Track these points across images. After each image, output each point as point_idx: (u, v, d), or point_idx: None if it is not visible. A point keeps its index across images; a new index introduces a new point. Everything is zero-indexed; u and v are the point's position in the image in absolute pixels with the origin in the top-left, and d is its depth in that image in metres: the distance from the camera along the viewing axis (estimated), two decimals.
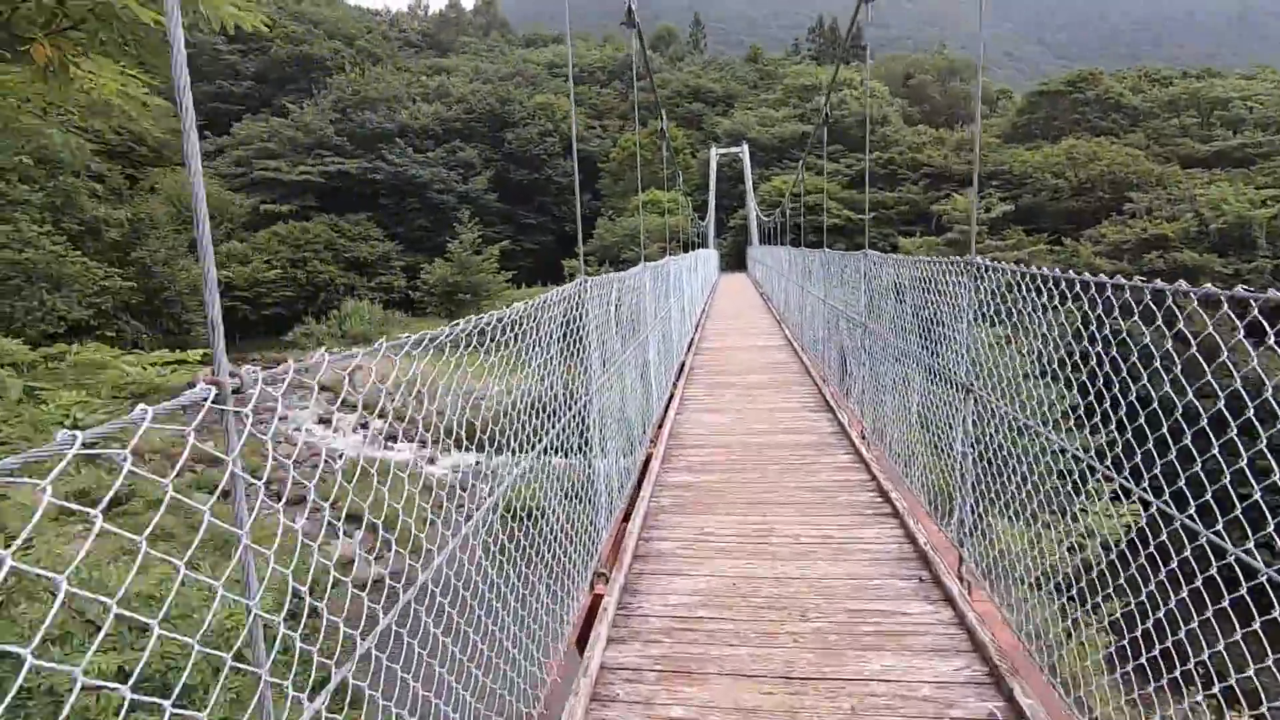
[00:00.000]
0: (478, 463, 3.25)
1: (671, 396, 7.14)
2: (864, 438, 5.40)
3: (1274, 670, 1.54)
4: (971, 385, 3.02)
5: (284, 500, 1.55)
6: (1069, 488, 2.57)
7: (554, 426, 2.92)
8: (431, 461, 20.34)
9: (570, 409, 3.18)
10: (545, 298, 2.97)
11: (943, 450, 3.47)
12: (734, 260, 42.11)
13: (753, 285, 27.54)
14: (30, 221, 19.95)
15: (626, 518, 4.37)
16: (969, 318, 2.98)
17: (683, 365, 8.80)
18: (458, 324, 1.90)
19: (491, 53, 64.27)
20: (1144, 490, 1.96)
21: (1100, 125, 41.84)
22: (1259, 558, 1.56)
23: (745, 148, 38.67)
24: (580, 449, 3.35)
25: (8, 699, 0.87)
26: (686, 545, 3.76)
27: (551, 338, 2.98)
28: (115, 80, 3.79)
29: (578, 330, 3.33)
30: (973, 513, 3.00)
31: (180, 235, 31.52)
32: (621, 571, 3.32)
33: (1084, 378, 2.20)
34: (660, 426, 6.02)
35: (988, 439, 2.83)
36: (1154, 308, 1.88)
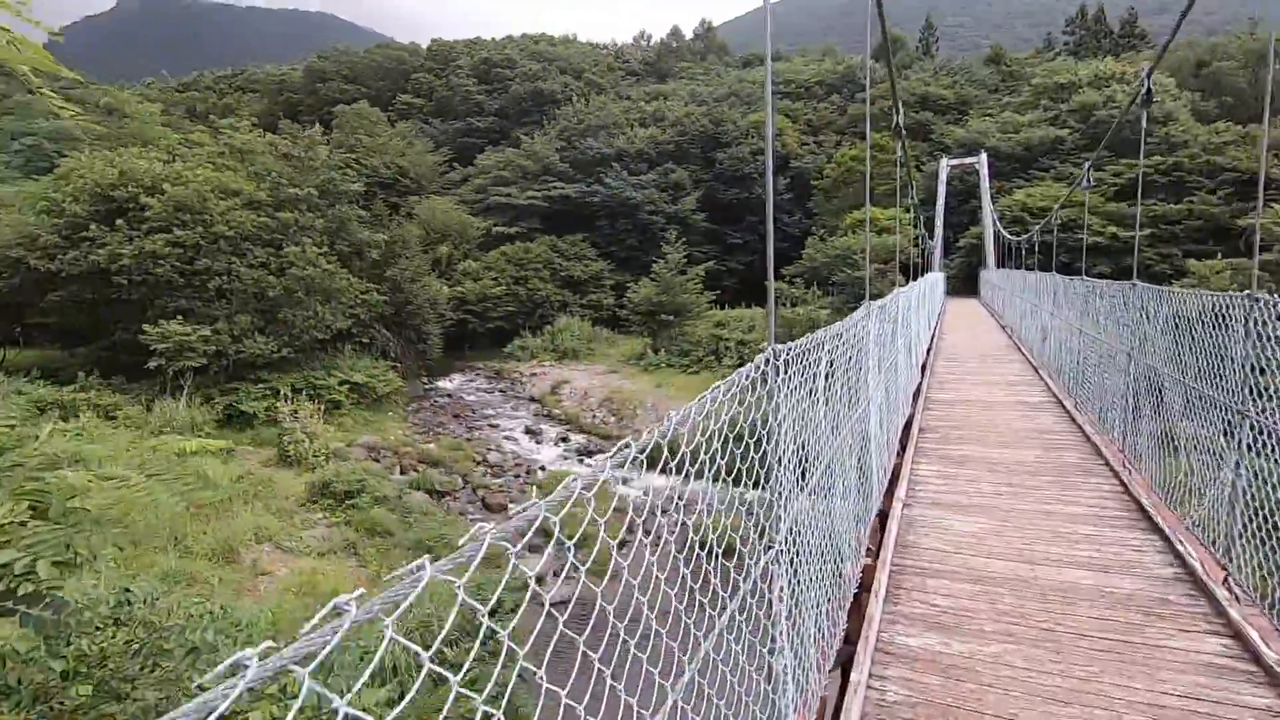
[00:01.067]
0: (671, 488, 2.11)
1: (895, 475, 5.53)
2: (1231, 592, 3.35)
3: None
4: None
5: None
6: None
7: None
8: (625, 482, 20.22)
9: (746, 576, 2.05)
10: (710, 397, 1.90)
11: None
12: (962, 284, 37.49)
13: (989, 315, 23.85)
14: (313, 244, 23.32)
15: (843, 673, 3.07)
16: None
17: (909, 423, 7.08)
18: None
19: (708, 76, 65.10)
20: None
21: None
22: None
23: (983, 157, 34.21)
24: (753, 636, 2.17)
25: None
26: None
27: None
28: None
29: (759, 454, 2.19)
30: None
31: (426, 255, 35.58)
32: None
33: None
34: (882, 530, 4.45)
35: None
36: None
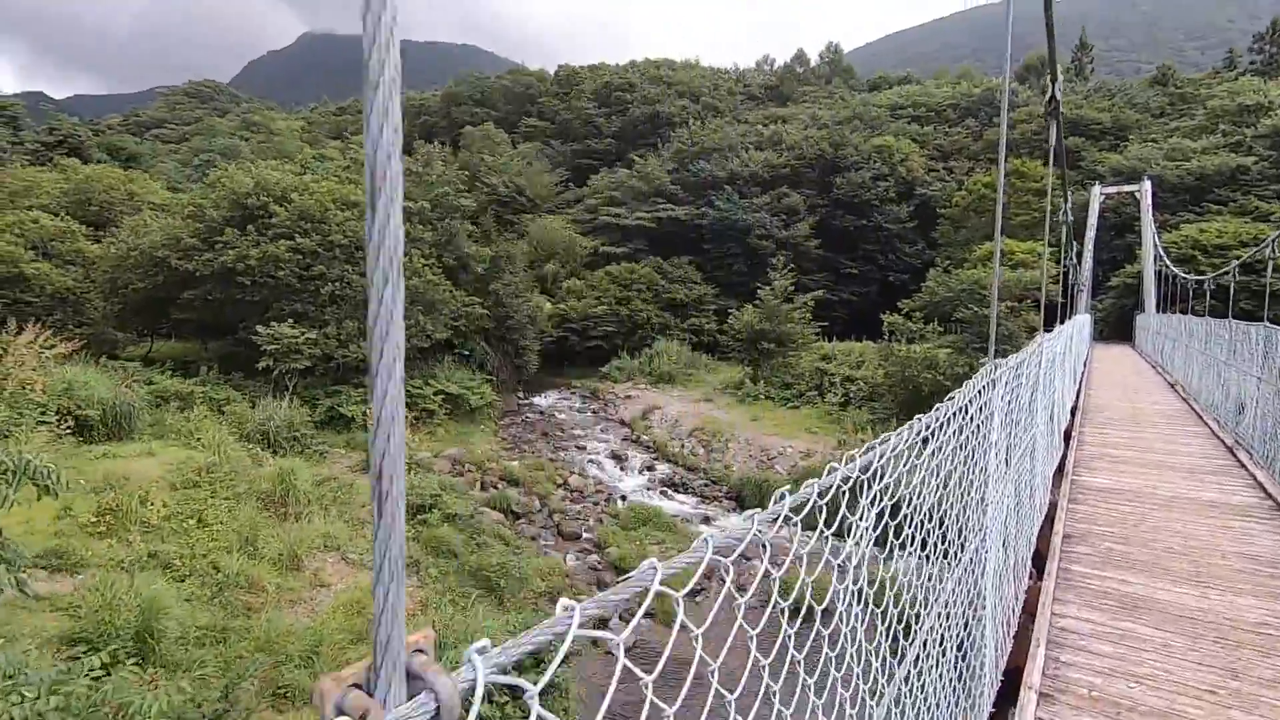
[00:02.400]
0: (759, 532, 1.21)
1: (1027, 611, 3.90)
2: None
3: None
4: None
5: None
6: None
7: None
8: (706, 521, 18.90)
9: None
10: None
11: None
12: (1112, 328, 33.21)
13: (1148, 366, 20.47)
14: (420, 255, 23.89)
15: None
16: None
17: (1049, 518, 5.26)
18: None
19: (831, 99, 62.96)
20: None
21: None
22: None
23: (1146, 185, 30.00)
24: None
25: None
26: None
27: None
28: None
29: None
30: None
31: (531, 272, 36.08)
32: None
33: None
34: None
35: None
36: None
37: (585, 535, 16.83)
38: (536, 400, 31.51)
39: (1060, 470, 6.56)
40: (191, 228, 21.79)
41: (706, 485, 20.53)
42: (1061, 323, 12.18)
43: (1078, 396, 11.19)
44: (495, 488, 18.97)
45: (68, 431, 13.99)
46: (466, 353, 27.25)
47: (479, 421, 25.29)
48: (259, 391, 19.51)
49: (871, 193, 41.88)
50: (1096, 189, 31.15)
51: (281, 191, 22.49)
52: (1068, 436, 8.05)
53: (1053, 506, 5.47)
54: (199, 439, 15.49)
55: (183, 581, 10.20)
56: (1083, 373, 13.73)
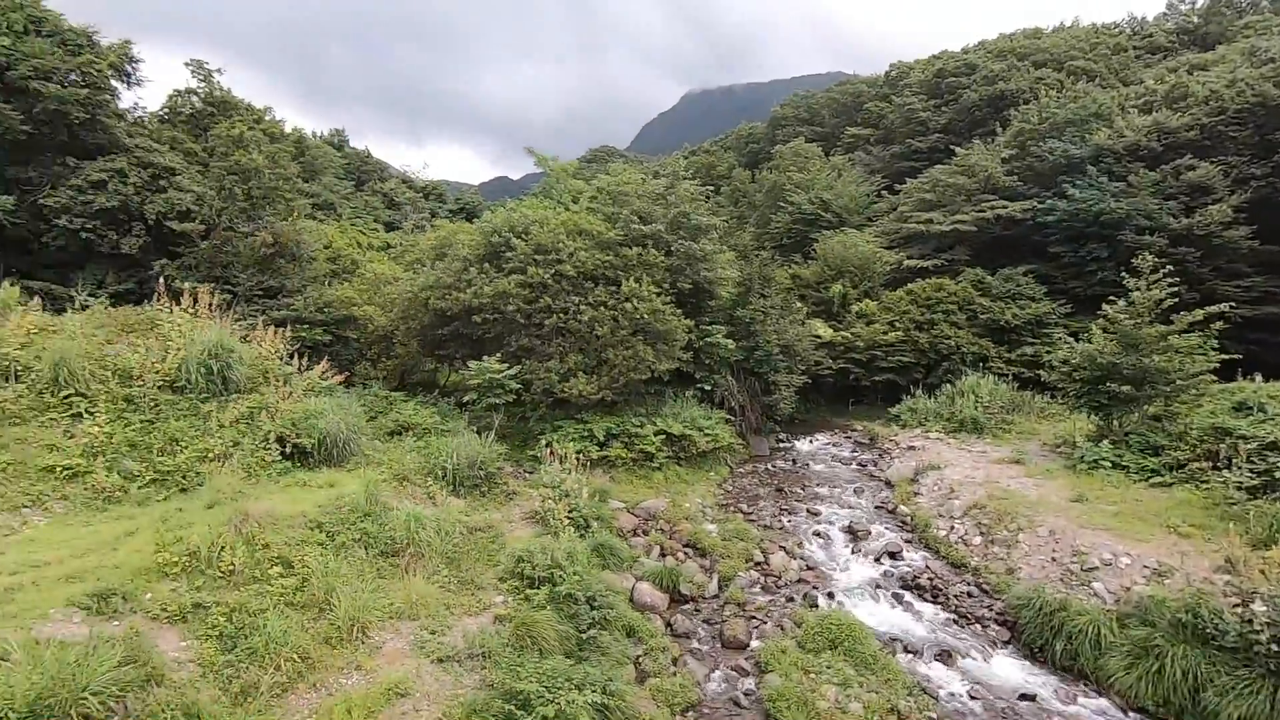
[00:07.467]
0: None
1: None
2: None
3: None
4: None
5: None
6: None
7: None
8: (944, 658, 12.10)
9: None
10: None
11: None
12: None
13: None
14: (651, 282, 21.98)
15: None
16: None
17: None
18: None
19: None
20: None
21: None
22: None
23: None
24: None
25: None
26: None
27: None
28: None
29: None
30: None
31: (812, 293, 31.46)
32: None
33: None
34: None
35: None
36: None
37: (754, 644, 12.41)
38: (799, 444, 26.97)
39: None
40: (453, 268, 23.60)
41: (969, 594, 13.87)
42: None
43: None
44: (676, 556, 15.64)
45: (280, 457, 15.21)
46: (708, 388, 24.42)
47: (710, 467, 22.24)
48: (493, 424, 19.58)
49: None
50: None
51: (525, 226, 22.98)
52: None
53: None
54: (382, 471, 15.69)
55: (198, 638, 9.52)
56: None
